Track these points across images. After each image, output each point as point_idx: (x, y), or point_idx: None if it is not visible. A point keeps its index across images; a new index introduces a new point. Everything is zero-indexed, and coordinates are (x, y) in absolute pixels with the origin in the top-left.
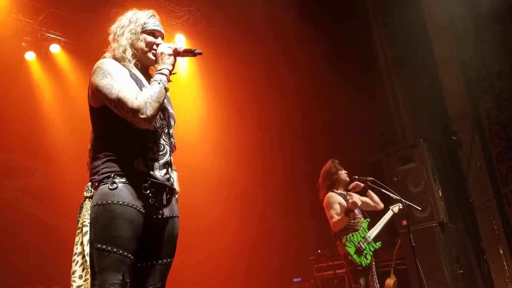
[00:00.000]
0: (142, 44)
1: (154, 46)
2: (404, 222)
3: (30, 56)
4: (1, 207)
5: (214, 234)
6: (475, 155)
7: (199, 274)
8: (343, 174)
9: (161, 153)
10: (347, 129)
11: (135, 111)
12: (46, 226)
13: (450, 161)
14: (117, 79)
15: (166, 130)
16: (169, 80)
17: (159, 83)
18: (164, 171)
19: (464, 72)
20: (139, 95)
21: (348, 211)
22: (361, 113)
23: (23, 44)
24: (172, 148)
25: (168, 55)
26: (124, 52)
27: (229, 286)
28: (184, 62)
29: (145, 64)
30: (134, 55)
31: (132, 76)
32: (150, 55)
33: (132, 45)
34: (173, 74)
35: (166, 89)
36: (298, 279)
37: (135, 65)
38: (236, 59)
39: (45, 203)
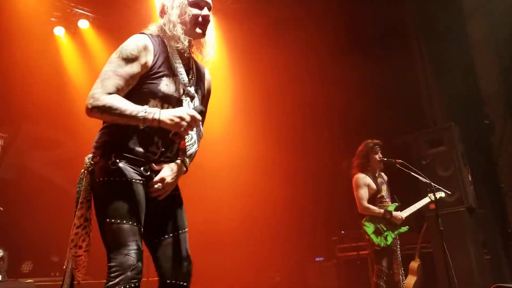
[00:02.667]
0: (188, 18)
1: (199, 20)
2: (432, 206)
3: (59, 31)
4: (29, 178)
5: (236, 212)
6: (507, 140)
7: (223, 251)
8: (376, 157)
9: (164, 149)
10: (377, 111)
11: (89, 97)
12: (70, 197)
13: (481, 145)
14: (118, 61)
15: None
16: (151, 125)
17: (141, 113)
18: (166, 161)
19: (499, 54)
20: (114, 96)
21: (386, 214)
22: (390, 94)
23: (53, 19)
24: (181, 146)
25: (176, 123)
26: (175, 29)
27: (252, 264)
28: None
29: (191, 38)
30: (183, 31)
31: (164, 57)
32: (197, 29)
33: (181, 20)
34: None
35: (140, 123)
36: (320, 259)
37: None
38: (263, 36)
39: (71, 174)
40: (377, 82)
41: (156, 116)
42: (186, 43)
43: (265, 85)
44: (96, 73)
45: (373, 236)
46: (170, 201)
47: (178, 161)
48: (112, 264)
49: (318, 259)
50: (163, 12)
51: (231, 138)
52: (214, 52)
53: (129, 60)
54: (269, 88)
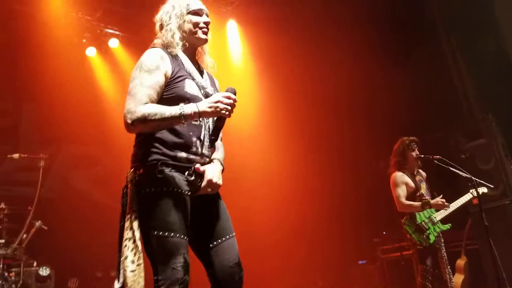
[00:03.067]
0: (189, 26)
1: (202, 26)
2: (475, 201)
3: (91, 52)
4: (71, 196)
5: (277, 215)
6: None
7: (263, 255)
8: (413, 154)
9: (204, 146)
10: (411, 107)
11: (127, 112)
12: (111, 212)
13: None
14: (143, 74)
15: (209, 124)
16: (193, 119)
17: (179, 110)
18: (206, 161)
19: None
20: (148, 104)
21: (425, 206)
22: (422, 87)
23: (84, 40)
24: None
25: (215, 107)
26: (172, 36)
27: (293, 269)
28: (237, 47)
29: (194, 46)
30: (182, 38)
31: (178, 64)
32: (200, 34)
33: (180, 28)
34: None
35: (181, 121)
36: (363, 262)
37: (184, 46)
38: (288, 42)
39: (110, 190)
40: (409, 77)
41: (195, 109)
42: (179, 48)
43: (296, 89)
44: (126, 89)
45: (415, 235)
46: (215, 206)
47: (215, 161)
48: (160, 277)
49: (360, 262)
50: (162, 27)
51: (264, 144)
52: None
53: (151, 71)
54: (300, 91)
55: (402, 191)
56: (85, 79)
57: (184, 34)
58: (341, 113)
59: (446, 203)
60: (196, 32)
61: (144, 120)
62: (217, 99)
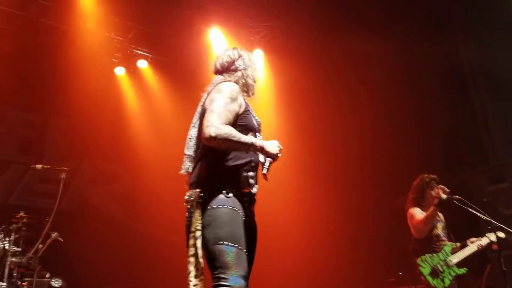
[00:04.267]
0: (252, 87)
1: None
2: (495, 247)
3: (120, 71)
4: (88, 211)
5: (293, 253)
6: None
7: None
8: (432, 193)
9: (256, 169)
10: (434, 147)
11: (209, 125)
12: (130, 231)
13: None
14: (228, 103)
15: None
16: (256, 151)
17: (250, 140)
18: (256, 185)
19: None
20: (229, 126)
21: (436, 201)
22: (446, 127)
23: (114, 60)
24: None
25: (276, 153)
26: (253, 82)
27: None
28: (260, 73)
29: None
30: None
31: (245, 101)
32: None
33: (250, 84)
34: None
35: (249, 149)
36: None
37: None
38: (311, 75)
39: (127, 208)
40: (431, 116)
41: (262, 145)
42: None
43: (314, 120)
44: (153, 110)
45: (429, 278)
46: (254, 233)
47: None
48: (226, 284)
49: None
50: (231, 65)
51: (284, 173)
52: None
53: (233, 100)
54: (319, 123)
55: (419, 217)
56: (112, 97)
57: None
58: (363, 147)
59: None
60: (251, 94)
61: (226, 137)
62: (278, 144)
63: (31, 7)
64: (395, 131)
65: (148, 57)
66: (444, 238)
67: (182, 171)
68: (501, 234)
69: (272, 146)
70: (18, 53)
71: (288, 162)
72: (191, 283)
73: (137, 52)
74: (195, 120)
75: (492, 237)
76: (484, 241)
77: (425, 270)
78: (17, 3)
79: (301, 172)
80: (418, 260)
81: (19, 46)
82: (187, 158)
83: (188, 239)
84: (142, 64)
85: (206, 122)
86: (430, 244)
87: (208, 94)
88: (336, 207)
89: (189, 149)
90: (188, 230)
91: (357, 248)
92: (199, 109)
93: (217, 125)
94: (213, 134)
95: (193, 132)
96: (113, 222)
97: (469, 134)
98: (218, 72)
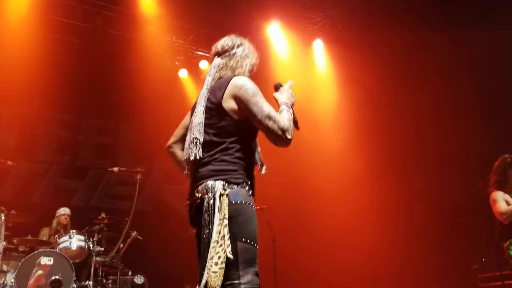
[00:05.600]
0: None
1: None
2: None
3: (183, 73)
4: (163, 209)
5: (367, 241)
6: None
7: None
8: None
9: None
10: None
11: (285, 130)
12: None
13: None
14: (264, 100)
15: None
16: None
17: (289, 111)
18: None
19: None
20: (283, 118)
21: None
22: None
23: (177, 63)
24: None
25: (292, 95)
26: (250, 72)
27: None
28: (321, 63)
29: None
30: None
31: None
32: None
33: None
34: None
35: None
36: None
37: None
38: (374, 60)
39: None
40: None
41: (290, 107)
42: None
43: (378, 104)
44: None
45: None
46: None
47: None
48: (244, 281)
49: None
50: (241, 58)
51: (349, 160)
52: None
53: (258, 89)
54: (383, 109)
55: (503, 204)
56: (177, 100)
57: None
58: (424, 138)
59: None
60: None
61: (290, 126)
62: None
63: (96, 19)
64: (459, 121)
65: (209, 57)
66: None
67: (191, 157)
68: None
69: (291, 95)
70: (88, 64)
71: (351, 153)
72: (211, 269)
73: (198, 54)
74: (203, 103)
75: None
76: None
77: None
78: (83, 15)
79: (364, 163)
80: (507, 244)
81: (88, 57)
82: (196, 142)
83: (206, 227)
84: (204, 64)
85: (277, 130)
86: None
87: (212, 79)
88: (415, 197)
89: (201, 134)
90: (209, 220)
91: (439, 237)
92: (206, 92)
93: (287, 126)
94: (289, 137)
95: (203, 117)
96: (186, 219)
97: None
98: (218, 54)
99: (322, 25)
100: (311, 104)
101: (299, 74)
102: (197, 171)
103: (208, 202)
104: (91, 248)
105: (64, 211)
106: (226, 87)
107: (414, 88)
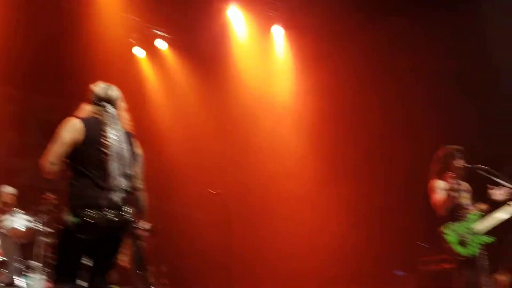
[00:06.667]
0: None
1: None
2: None
3: (140, 53)
4: None
5: (312, 227)
6: None
7: (301, 268)
8: (456, 164)
9: None
10: (456, 116)
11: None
12: (152, 208)
13: None
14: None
15: None
16: None
17: None
18: None
19: None
20: None
21: (449, 191)
22: (473, 98)
23: (132, 41)
24: None
25: None
26: None
27: (329, 278)
28: (280, 49)
29: None
30: None
31: None
32: None
33: None
34: None
35: None
36: (401, 273)
37: None
38: (329, 50)
39: (153, 187)
40: (457, 87)
41: None
42: None
43: (334, 94)
44: (174, 91)
45: (455, 246)
46: None
47: None
48: None
49: (397, 272)
50: None
51: (301, 148)
52: None
53: None
54: (340, 97)
55: (440, 196)
56: (132, 78)
57: None
58: (386, 127)
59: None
60: None
61: None
62: None
63: None
64: (430, 100)
65: (167, 37)
66: (469, 207)
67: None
68: None
69: None
70: (38, 39)
71: (308, 144)
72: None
73: (156, 33)
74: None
75: None
76: (508, 209)
77: (450, 238)
78: None
79: (322, 154)
80: (443, 228)
81: (39, 31)
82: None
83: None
84: (161, 45)
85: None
86: (454, 212)
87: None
88: (360, 178)
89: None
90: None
91: (383, 221)
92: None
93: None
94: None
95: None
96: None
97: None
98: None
99: (283, 12)
100: (268, 92)
101: (259, 60)
102: None
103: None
104: (37, 228)
105: (7, 190)
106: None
107: (377, 81)
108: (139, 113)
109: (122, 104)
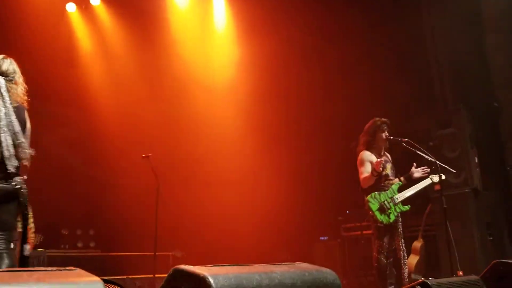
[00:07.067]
0: None
1: None
2: (437, 187)
3: (71, 7)
4: (41, 153)
5: (246, 193)
6: None
7: (229, 234)
8: (382, 135)
9: None
10: (388, 92)
11: None
12: (82, 173)
13: (490, 128)
14: None
15: None
16: None
17: None
18: None
19: None
20: None
21: (373, 171)
22: (401, 77)
23: None
24: None
25: None
26: None
27: (258, 244)
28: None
29: None
30: None
31: None
32: None
33: None
34: None
35: None
36: (325, 238)
37: None
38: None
39: (82, 152)
40: (388, 64)
41: None
42: None
43: (269, 68)
44: (107, 49)
45: (377, 213)
46: None
47: None
48: None
49: (322, 238)
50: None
51: (232, 124)
52: None
53: None
54: (268, 70)
55: (366, 169)
56: (64, 36)
57: None
58: (315, 95)
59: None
60: None
61: None
62: None
63: None
64: (349, 75)
65: None
66: (392, 177)
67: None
68: (443, 176)
69: None
70: None
71: (245, 115)
72: None
73: None
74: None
75: (435, 178)
76: (434, 179)
77: (374, 206)
78: None
79: (259, 126)
80: (368, 197)
81: None
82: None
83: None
84: (95, 1)
85: None
86: (379, 183)
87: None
88: (287, 151)
89: None
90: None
91: (309, 190)
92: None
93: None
94: None
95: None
96: (63, 164)
97: (422, 83)
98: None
99: None
100: (205, 64)
101: (197, 27)
102: None
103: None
104: None
105: None
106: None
107: (310, 46)
108: (69, 71)
109: (17, 77)
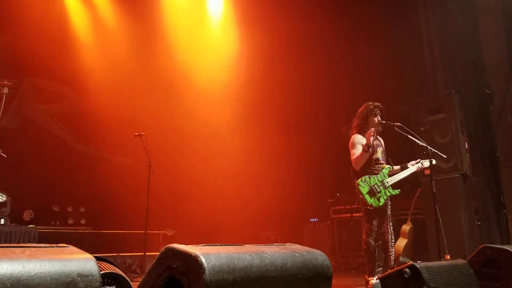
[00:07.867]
0: None
1: None
2: (427, 171)
3: None
4: (32, 129)
5: (238, 173)
6: (507, 110)
7: (221, 214)
8: (375, 119)
9: None
10: (380, 77)
11: None
12: (74, 150)
13: (481, 114)
14: None
15: None
16: None
17: None
18: None
19: (505, 24)
20: None
21: (364, 146)
22: (394, 61)
23: None
24: None
25: None
26: None
27: (249, 224)
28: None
29: None
30: None
31: None
32: None
33: None
34: None
35: None
36: (315, 219)
37: None
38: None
39: (74, 129)
40: (381, 48)
41: None
42: None
43: (264, 56)
44: (101, 28)
45: (367, 196)
46: None
47: None
48: None
49: (312, 219)
50: None
51: (227, 111)
52: None
53: None
54: (259, 62)
55: (357, 151)
56: (57, 12)
57: None
58: (305, 80)
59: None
60: None
61: None
62: None
63: None
64: (344, 59)
65: None
66: (382, 161)
67: None
68: (433, 161)
69: None
70: None
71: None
72: None
73: None
74: None
75: (425, 163)
76: (425, 164)
77: (364, 190)
78: None
79: (247, 110)
80: (358, 181)
81: None
82: None
83: None
84: None
85: None
86: (369, 166)
87: None
88: (278, 134)
89: None
90: None
91: (298, 174)
92: None
93: None
94: None
95: None
96: (57, 141)
97: (415, 68)
98: None
99: None
100: (207, 43)
101: (192, 12)
102: None
103: None
104: None
105: None
106: None
107: (311, 34)
108: (63, 48)
109: None
